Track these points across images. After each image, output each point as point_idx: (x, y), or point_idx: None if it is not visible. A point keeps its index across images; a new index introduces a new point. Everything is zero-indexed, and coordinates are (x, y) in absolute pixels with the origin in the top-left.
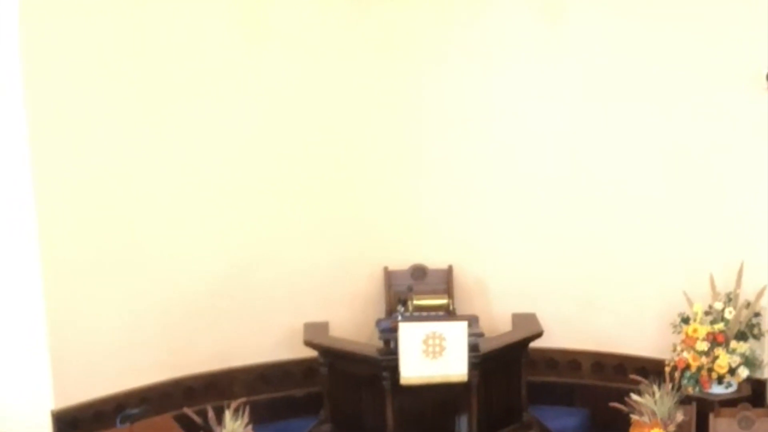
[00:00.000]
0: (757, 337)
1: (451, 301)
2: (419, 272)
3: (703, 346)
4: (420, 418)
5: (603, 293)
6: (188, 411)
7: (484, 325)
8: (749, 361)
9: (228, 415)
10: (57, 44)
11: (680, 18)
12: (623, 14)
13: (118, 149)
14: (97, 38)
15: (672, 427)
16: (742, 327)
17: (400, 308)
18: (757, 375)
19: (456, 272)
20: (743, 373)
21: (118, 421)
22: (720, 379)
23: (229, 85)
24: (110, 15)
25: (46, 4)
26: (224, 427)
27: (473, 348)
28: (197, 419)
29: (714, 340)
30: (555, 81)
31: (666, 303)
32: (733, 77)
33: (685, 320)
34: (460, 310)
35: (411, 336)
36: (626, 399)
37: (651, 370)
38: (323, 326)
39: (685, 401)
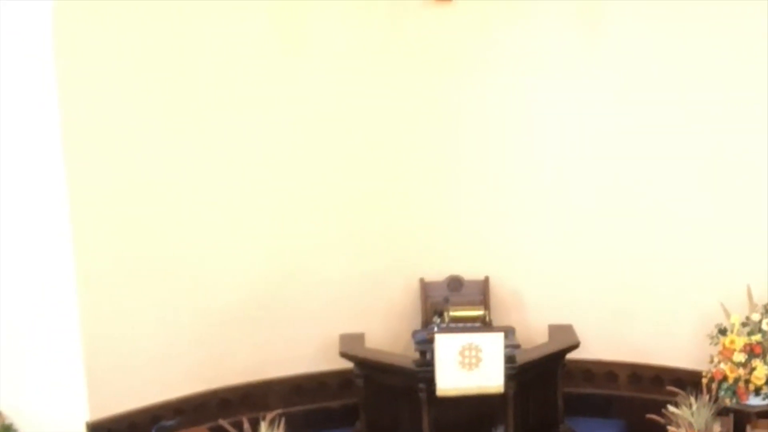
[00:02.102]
0: None
1: (487, 312)
2: (455, 283)
3: (740, 357)
4: (456, 429)
5: (640, 304)
6: (223, 423)
7: (521, 337)
8: None
9: (263, 427)
10: (92, 55)
11: (718, 27)
12: (660, 24)
13: (153, 160)
14: (133, 48)
15: None
16: None
17: (437, 319)
18: None
19: (492, 283)
20: None
21: None
22: (757, 391)
23: (265, 96)
24: (147, 24)
25: (82, 13)
26: None
27: (510, 359)
28: (232, 431)
29: (751, 352)
30: (593, 91)
31: (703, 314)
32: None
33: (722, 331)
34: (497, 321)
35: (447, 347)
36: (663, 411)
37: (688, 381)
38: (359, 337)
39: (722, 413)
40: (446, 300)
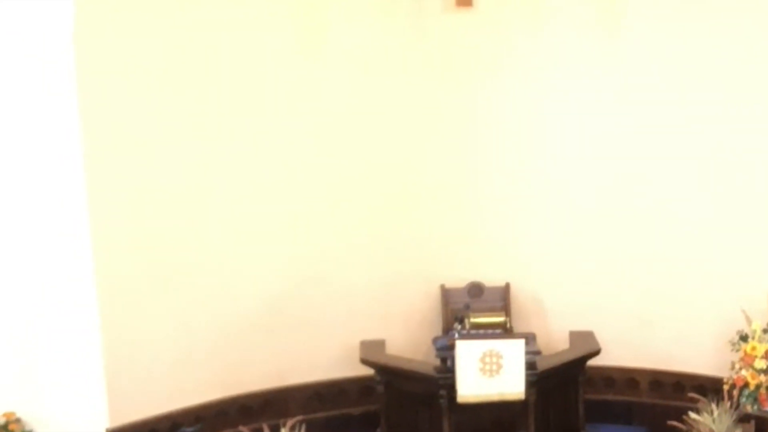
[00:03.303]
0: None
1: (508, 318)
2: (476, 290)
3: (761, 364)
4: None
5: (661, 311)
6: (244, 430)
7: (542, 343)
8: None
9: None
10: (112, 61)
11: (736, 31)
12: (678, 29)
13: (173, 166)
14: (154, 54)
15: None
16: None
17: (457, 326)
18: None
19: (513, 290)
20: None
21: None
22: None
23: (286, 102)
24: (168, 30)
25: (103, 20)
26: None
27: (530, 366)
28: None
29: None
30: (613, 95)
31: (724, 320)
32: None
33: (744, 338)
34: (518, 327)
35: (468, 354)
36: (684, 417)
37: (709, 388)
38: (380, 344)
39: (743, 419)
40: (467, 306)
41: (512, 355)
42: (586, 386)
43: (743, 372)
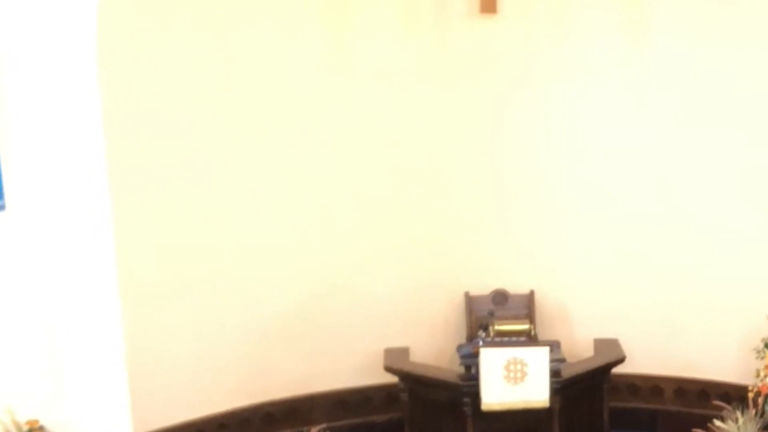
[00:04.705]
0: None
1: (532, 326)
2: (500, 297)
3: None
4: None
5: (685, 318)
6: None
7: (566, 351)
8: None
9: None
10: (136, 67)
11: (765, 37)
12: (708, 37)
13: (198, 172)
14: (180, 61)
15: None
16: None
17: (482, 333)
18: None
19: (538, 297)
20: None
21: None
22: None
23: (311, 110)
24: (194, 41)
25: (127, 26)
26: None
27: (555, 373)
28: None
29: None
30: (639, 104)
31: (749, 328)
32: None
33: None
34: (542, 335)
35: (492, 361)
36: (709, 425)
37: (734, 395)
38: (404, 351)
39: None
40: (491, 314)
41: (537, 362)
42: (611, 394)
43: None
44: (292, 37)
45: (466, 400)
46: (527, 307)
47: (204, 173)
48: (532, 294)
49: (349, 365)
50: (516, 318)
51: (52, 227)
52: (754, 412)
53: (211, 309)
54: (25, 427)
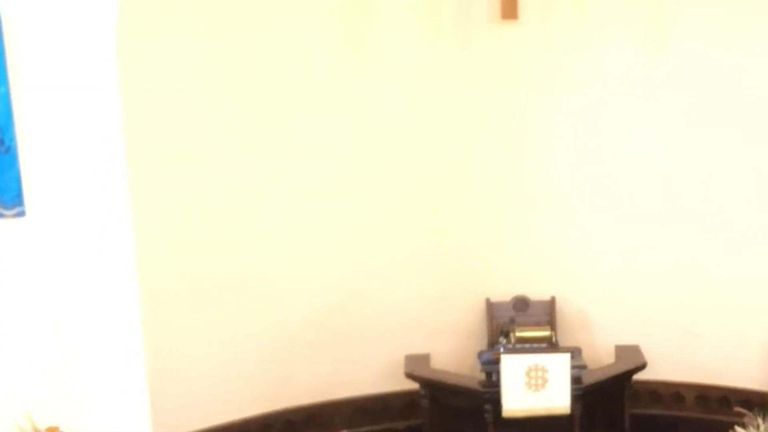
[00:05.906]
0: None
1: (553, 332)
2: (521, 304)
3: None
4: None
5: (707, 325)
6: None
7: (587, 357)
8: None
9: None
10: (156, 70)
11: None
12: (726, 44)
13: (218, 177)
14: (199, 64)
15: None
16: None
17: (502, 340)
18: None
19: (559, 304)
20: None
21: None
22: None
23: (331, 113)
24: (213, 40)
25: (148, 28)
26: None
27: (576, 380)
28: None
29: None
30: (659, 110)
31: None
32: None
33: None
34: (563, 341)
35: (513, 368)
36: None
37: (756, 402)
38: (424, 358)
39: None
40: (512, 320)
41: (558, 369)
42: (632, 401)
43: None
44: (314, 40)
45: (487, 406)
46: (548, 313)
47: (224, 180)
48: (553, 300)
49: (370, 372)
50: (537, 324)
51: (72, 233)
52: None
53: (231, 316)
54: None
